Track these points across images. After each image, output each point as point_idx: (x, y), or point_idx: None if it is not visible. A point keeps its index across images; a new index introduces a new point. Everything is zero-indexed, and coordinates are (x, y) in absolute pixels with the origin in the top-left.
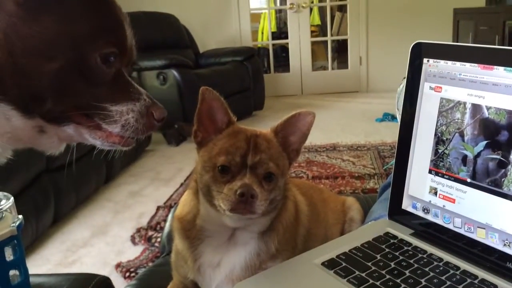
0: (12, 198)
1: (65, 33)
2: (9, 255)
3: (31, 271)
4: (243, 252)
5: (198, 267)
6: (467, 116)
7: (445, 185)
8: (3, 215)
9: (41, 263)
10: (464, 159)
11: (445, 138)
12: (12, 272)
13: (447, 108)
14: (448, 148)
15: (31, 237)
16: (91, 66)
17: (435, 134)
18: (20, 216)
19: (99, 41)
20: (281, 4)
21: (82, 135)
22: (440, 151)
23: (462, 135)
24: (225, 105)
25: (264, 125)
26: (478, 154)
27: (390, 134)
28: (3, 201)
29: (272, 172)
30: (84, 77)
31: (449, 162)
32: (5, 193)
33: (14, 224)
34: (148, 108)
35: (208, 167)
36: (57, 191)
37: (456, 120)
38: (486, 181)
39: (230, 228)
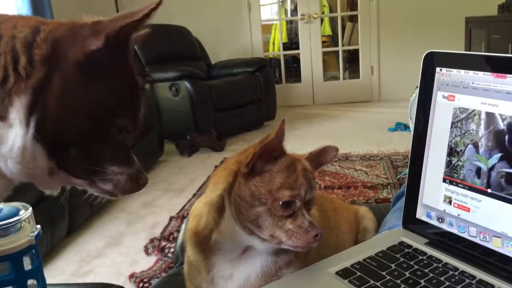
0: (30, 208)
1: (105, 101)
2: (27, 264)
3: (47, 281)
4: (259, 260)
5: (211, 278)
6: (481, 127)
7: (460, 194)
8: (22, 225)
9: (55, 274)
10: (478, 171)
11: (458, 149)
12: (30, 282)
13: (461, 119)
14: (461, 159)
15: (45, 247)
16: (111, 132)
17: (449, 144)
18: (38, 226)
19: (123, 114)
20: (292, 15)
21: (83, 185)
22: (453, 162)
23: (476, 146)
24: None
25: None
26: (493, 167)
27: (402, 143)
28: (22, 211)
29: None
30: (101, 140)
31: (463, 173)
32: (24, 204)
33: (32, 234)
34: (137, 174)
35: (264, 199)
36: (71, 202)
37: (470, 131)
38: (502, 193)
39: (246, 244)
